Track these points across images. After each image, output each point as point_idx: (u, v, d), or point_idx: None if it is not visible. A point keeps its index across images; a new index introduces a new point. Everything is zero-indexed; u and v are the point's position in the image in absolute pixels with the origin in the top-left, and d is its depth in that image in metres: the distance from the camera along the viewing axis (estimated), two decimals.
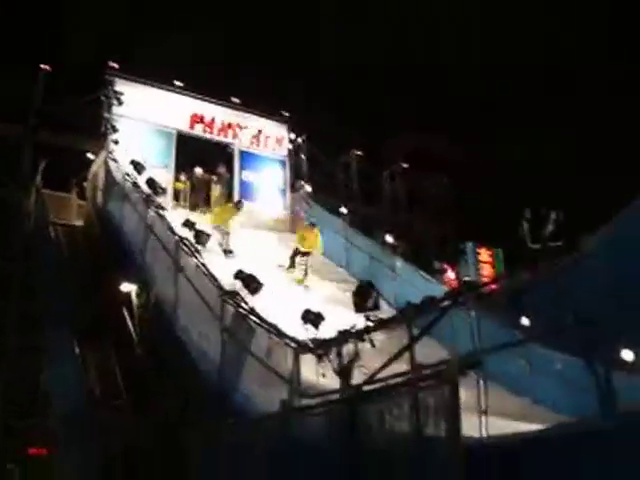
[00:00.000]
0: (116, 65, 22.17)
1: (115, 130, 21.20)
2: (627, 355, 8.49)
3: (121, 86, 22.00)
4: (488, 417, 8.50)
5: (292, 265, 17.83)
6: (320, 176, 25.49)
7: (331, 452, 7.50)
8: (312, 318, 12.78)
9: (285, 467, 8.03)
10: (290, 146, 25.34)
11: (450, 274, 24.19)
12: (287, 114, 25.55)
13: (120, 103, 21.68)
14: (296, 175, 24.96)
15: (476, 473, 6.25)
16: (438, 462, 6.23)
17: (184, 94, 23.58)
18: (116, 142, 20.92)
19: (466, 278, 23.52)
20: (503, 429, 8.10)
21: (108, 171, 20.08)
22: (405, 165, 27.79)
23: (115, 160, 20.16)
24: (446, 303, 7.52)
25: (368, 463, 6.98)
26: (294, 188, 24.58)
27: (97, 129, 21.41)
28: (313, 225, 18.54)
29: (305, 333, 11.92)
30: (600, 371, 7.39)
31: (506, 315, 10.66)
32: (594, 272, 7.49)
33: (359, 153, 27.41)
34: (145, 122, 22.35)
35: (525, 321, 9.91)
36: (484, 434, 7.71)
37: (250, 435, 9.23)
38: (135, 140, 21.64)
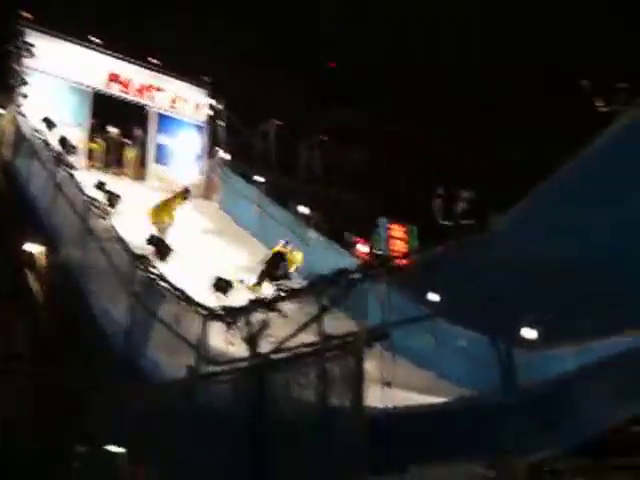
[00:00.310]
0: (29, 15, 21.24)
1: (24, 83, 20.40)
2: (528, 333, 8.79)
3: (35, 38, 21.14)
4: (394, 389, 8.66)
5: (259, 284, 15.44)
6: (238, 144, 25.22)
7: (238, 419, 7.51)
8: (222, 285, 12.71)
9: (192, 434, 8.01)
10: (209, 112, 24.95)
11: (362, 247, 24.42)
12: (207, 80, 25.11)
13: (31, 55, 20.83)
14: (213, 142, 24.63)
15: (380, 442, 6.37)
16: (343, 431, 6.32)
17: (102, 52, 22.86)
18: (25, 96, 20.15)
19: (378, 252, 23.78)
20: (408, 401, 8.28)
21: (16, 126, 19.35)
22: (324, 137, 27.78)
23: (24, 115, 19.43)
24: (357, 276, 7.60)
25: (275, 430, 7.03)
26: (211, 155, 24.28)
27: (6, 82, 20.55)
28: (287, 243, 16.86)
29: (216, 300, 11.85)
30: (502, 348, 7.64)
31: (416, 290, 10.82)
32: (502, 251, 7.69)
33: (278, 122, 27.22)
34: (59, 78, 21.57)
35: (433, 297, 10.10)
36: (389, 405, 7.85)
37: (157, 401, 9.15)
38: (48, 96, 20.91)
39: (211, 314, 9.14)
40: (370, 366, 7.14)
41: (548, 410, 7.43)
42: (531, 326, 9.09)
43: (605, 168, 6.96)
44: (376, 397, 7.40)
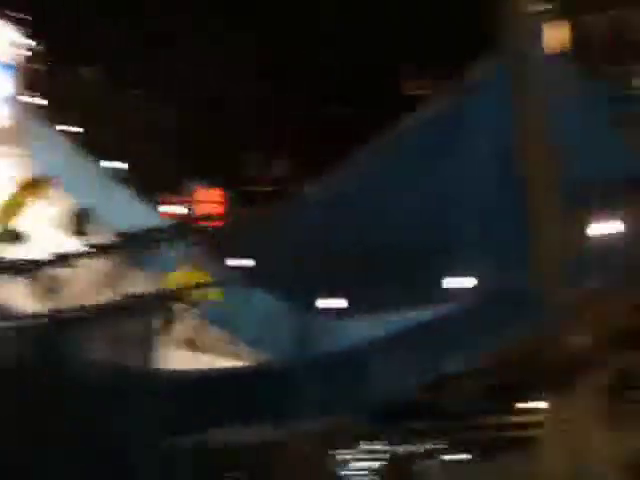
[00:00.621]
0: None
1: None
2: (330, 303, 9.10)
3: None
4: (197, 353, 8.65)
5: (169, 321, 11.83)
6: (54, 90, 23.88)
7: (29, 378, 7.20)
8: (15, 237, 12.07)
9: None
10: (24, 52, 23.35)
11: (175, 208, 24.03)
12: (24, 16, 23.43)
13: None
14: (26, 85, 23.15)
15: (180, 405, 6.36)
16: (140, 393, 6.25)
17: None
18: None
19: (188, 214, 23.53)
20: (210, 365, 8.30)
21: None
22: (144, 92, 26.89)
23: None
24: (163, 235, 7.48)
25: (68, 389, 6.82)
26: (21, 99, 22.82)
27: None
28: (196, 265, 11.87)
29: (12, 252, 11.24)
30: (302, 315, 7.83)
31: (223, 254, 10.79)
32: (311, 220, 7.87)
33: (99, 70, 26.06)
34: None
35: (240, 261, 10.12)
36: (191, 368, 7.84)
37: None
38: None
39: (4, 266, 8.65)
40: (174, 328, 7.07)
41: (343, 377, 7.71)
42: (333, 296, 9.38)
43: (409, 152, 7.33)
44: (178, 360, 7.36)
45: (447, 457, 9.33)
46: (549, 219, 2.51)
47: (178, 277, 11.00)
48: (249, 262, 9.81)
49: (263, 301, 10.68)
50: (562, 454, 2.75)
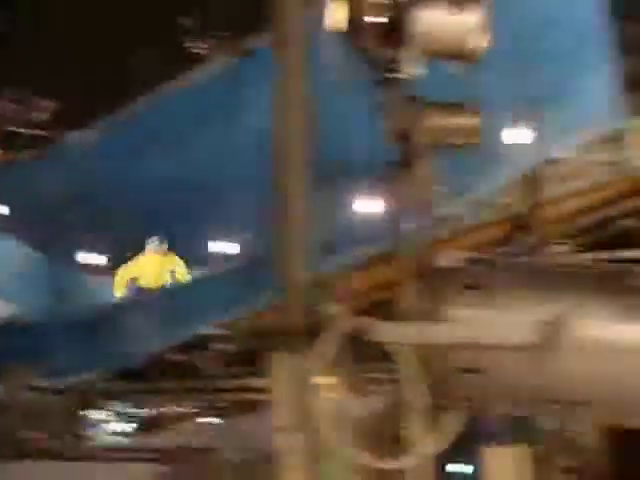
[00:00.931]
0: None
1: None
2: (83, 257, 8.85)
3: None
4: None
5: None
6: None
7: None
8: None
9: None
10: None
11: None
12: None
13: None
14: None
15: None
16: None
17: None
18: None
19: None
20: None
21: None
22: None
23: None
24: None
25: None
26: None
27: None
28: (160, 246, 9.69)
29: None
30: (57, 269, 7.60)
31: None
32: (69, 170, 7.64)
33: None
34: None
35: None
36: None
37: None
38: None
39: None
40: None
41: (97, 334, 7.61)
42: (93, 251, 9.15)
43: (184, 107, 7.34)
44: None
45: (197, 419, 9.50)
46: (295, 195, 2.65)
47: (147, 261, 9.82)
48: (4, 209, 9.29)
49: (19, 251, 10.16)
50: (297, 416, 2.94)
